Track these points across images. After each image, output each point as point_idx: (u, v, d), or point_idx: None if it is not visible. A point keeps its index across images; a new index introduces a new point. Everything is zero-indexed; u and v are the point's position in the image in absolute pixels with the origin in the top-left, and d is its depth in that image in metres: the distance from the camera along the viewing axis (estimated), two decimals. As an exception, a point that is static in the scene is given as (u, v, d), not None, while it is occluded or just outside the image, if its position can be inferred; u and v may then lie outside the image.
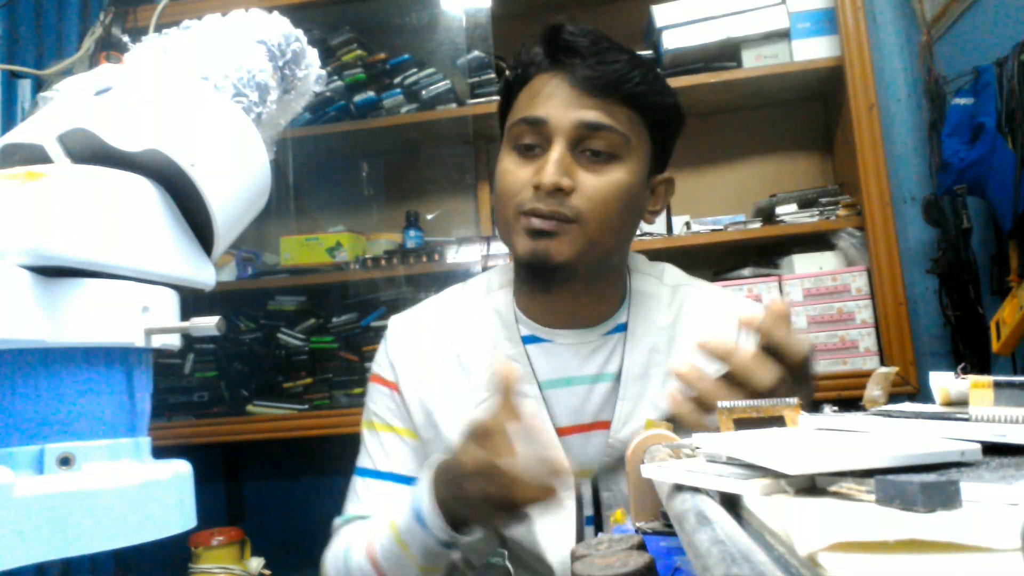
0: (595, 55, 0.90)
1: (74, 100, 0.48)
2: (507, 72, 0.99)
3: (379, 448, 1.00)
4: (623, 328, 0.98)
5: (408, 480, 0.98)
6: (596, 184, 0.89)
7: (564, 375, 0.97)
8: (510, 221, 0.91)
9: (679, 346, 0.97)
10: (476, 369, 0.97)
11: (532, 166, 0.90)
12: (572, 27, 0.92)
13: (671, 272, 1.05)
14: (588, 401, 0.96)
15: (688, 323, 0.99)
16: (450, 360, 0.98)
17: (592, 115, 0.89)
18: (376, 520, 0.92)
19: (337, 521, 1.01)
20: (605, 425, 0.96)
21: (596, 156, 0.90)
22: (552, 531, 0.93)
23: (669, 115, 0.95)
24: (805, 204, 1.85)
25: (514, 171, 0.91)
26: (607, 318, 0.98)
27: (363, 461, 1.01)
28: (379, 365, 1.03)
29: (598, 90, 0.89)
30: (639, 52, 0.97)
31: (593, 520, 0.94)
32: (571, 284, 0.94)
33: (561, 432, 0.95)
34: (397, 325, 1.04)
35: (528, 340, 0.98)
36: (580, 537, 0.92)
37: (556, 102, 0.89)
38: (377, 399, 1.02)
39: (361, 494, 0.99)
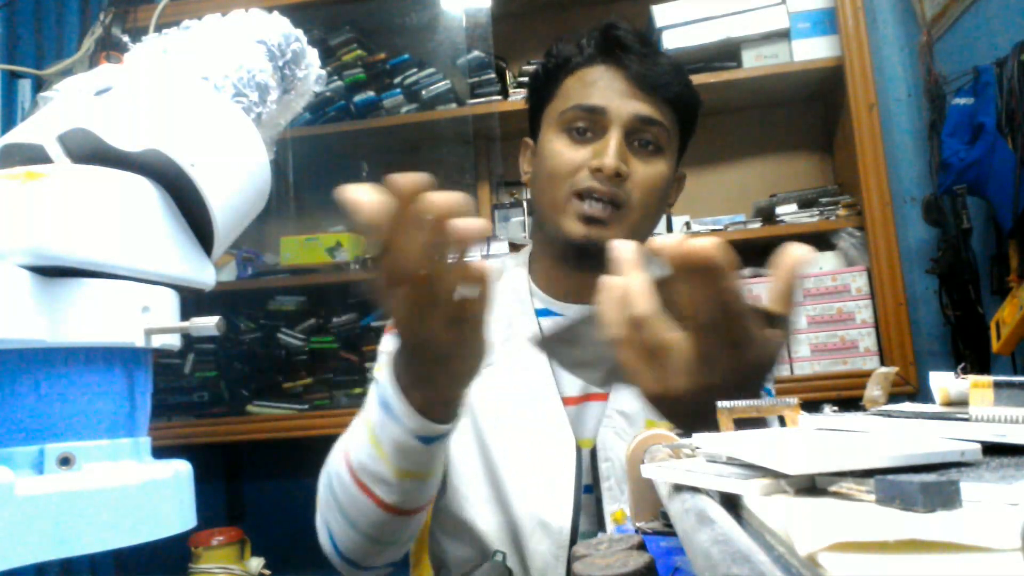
0: (646, 55, 0.96)
1: (74, 100, 0.48)
2: (544, 60, 1.03)
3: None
4: None
5: None
6: (646, 173, 0.96)
7: None
8: (559, 202, 0.95)
9: None
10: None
11: (586, 149, 0.95)
12: (624, 25, 0.99)
13: None
14: None
15: None
16: None
17: (647, 109, 0.95)
18: (354, 423, 0.85)
19: None
20: (603, 396, 0.99)
21: (645, 147, 0.96)
22: (553, 500, 0.93)
23: (697, 116, 1.03)
24: (805, 204, 1.85)
25: (568, 152, 0.96)
26: None
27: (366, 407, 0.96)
28: None
29: (651, 87, 0.95)
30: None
31: (592, 489, 0.94)
32: (603, 263, 0.96)
33: (567, 402, 0.98)
34: None
35: (541, 313, 1.03)
36: (577, 505, 0.93)
37: (614, 93, 0.95)
38: (389, 346, 0.96)
39: None
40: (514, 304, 1.04)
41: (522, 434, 0.97)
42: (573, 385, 0.99)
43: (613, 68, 0.97)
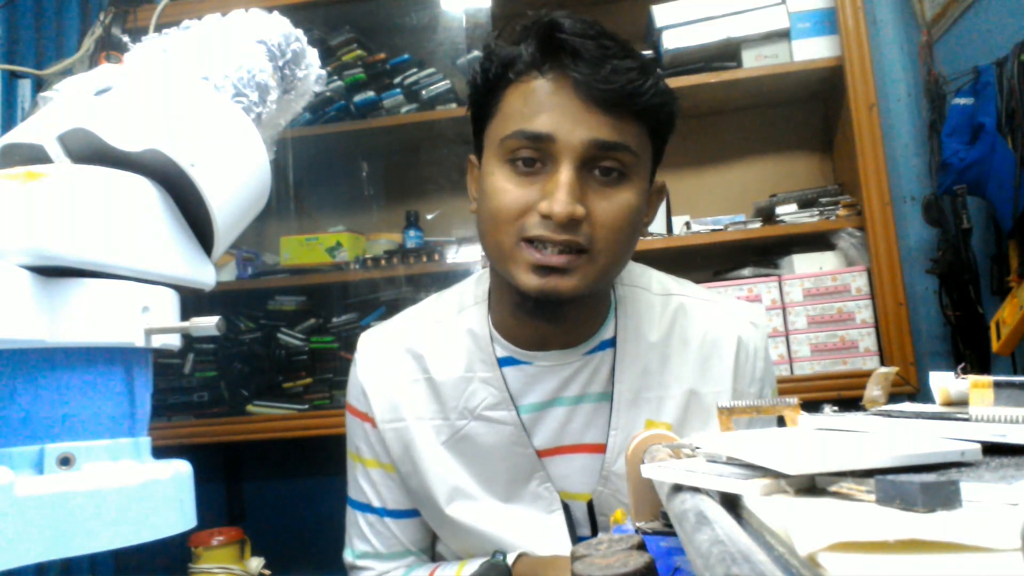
0: (601, 60, 0.79)
1: (74, 100, 0.48)
2: (482, 64, 0.87)
3: (369, 484, 0.97)
4: (607, 345, 0.91)
5: (404, 514, 0.97)
6: (608, 209, 0.80)
7: (544, 399, 0.91)
8: (507, 249, 0.82)
9: (674, 366, 0.91)
10: (449, 395, 0.92)
11: (534, 186, 0.81)
12: (571, 23, 0.80)
13: (658, 279, 0.97)
14: (570, 422, 0.91)
15: (682, 339, 0.92)
16: (421, 385, 0.93)
17: (605, 133, 0.79)
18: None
19: (348, 557, 1.00)
20: (593, 448, 0.91)
21: (606, 175, 0.81)
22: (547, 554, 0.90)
23: (672, 123, 0.88)
24: (805, 204, 1.85)
25: (513, 191, 0.81)
26: (590, 337, 0.91)
27: (356, 494, 0.99)
28: (352, 394, 0.97)
29: (609, 104, 0.79)
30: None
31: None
32: (566, 314, 0.87)
33: (541, 454, 0.92)
34: (367, 345, 0.98)
35: (505, 362, 0.91)
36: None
37: (563, 116, 0.79)
38: (357, 432, 0.97)
39: (366, 530, 0.98)
40: (473, 351, 0.92)
41: (504, 496, 0.91)
42: (546, 436, 0.91)
43: (560, 80, 0.80)
